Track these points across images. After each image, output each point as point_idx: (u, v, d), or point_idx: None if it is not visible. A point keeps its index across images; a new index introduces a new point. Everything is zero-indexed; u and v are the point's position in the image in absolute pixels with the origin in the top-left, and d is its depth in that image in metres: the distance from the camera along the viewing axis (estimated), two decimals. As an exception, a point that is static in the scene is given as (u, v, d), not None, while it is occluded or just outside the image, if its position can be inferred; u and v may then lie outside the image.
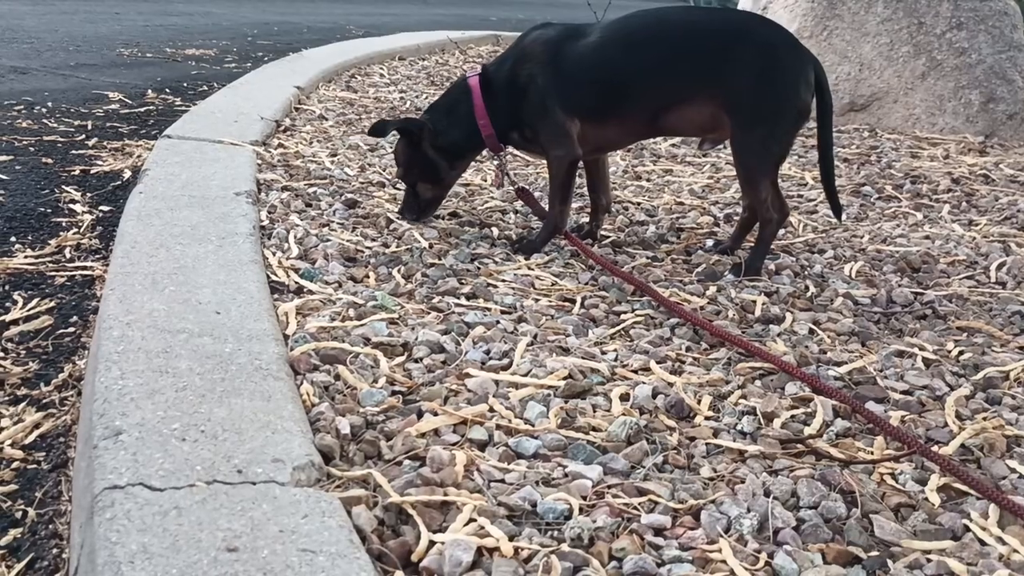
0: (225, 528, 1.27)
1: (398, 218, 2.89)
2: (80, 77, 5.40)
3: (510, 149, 2.92)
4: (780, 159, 2.67)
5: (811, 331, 2.27)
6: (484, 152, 2.94)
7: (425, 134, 2.80)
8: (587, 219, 2.99)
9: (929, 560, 1.42)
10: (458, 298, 2.33)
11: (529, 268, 2.58)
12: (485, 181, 3.49)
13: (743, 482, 1.58)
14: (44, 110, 4.43)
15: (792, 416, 1.83)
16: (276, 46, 7.42)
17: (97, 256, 2.64)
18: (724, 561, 1.38)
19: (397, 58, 6.92)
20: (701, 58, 2.59)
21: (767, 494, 1.55)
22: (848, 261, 2.80)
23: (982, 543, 1.47)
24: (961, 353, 2.16)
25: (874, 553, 1.43)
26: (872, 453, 1.71)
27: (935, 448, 1.72)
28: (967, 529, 1.50)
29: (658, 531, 1.46)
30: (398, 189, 3.21)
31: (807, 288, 2.55)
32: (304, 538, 1.27)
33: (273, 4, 11.89)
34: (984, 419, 1.84)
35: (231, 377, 1.69)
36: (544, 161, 2.93)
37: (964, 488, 1.60)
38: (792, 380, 1.97)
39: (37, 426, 1.80)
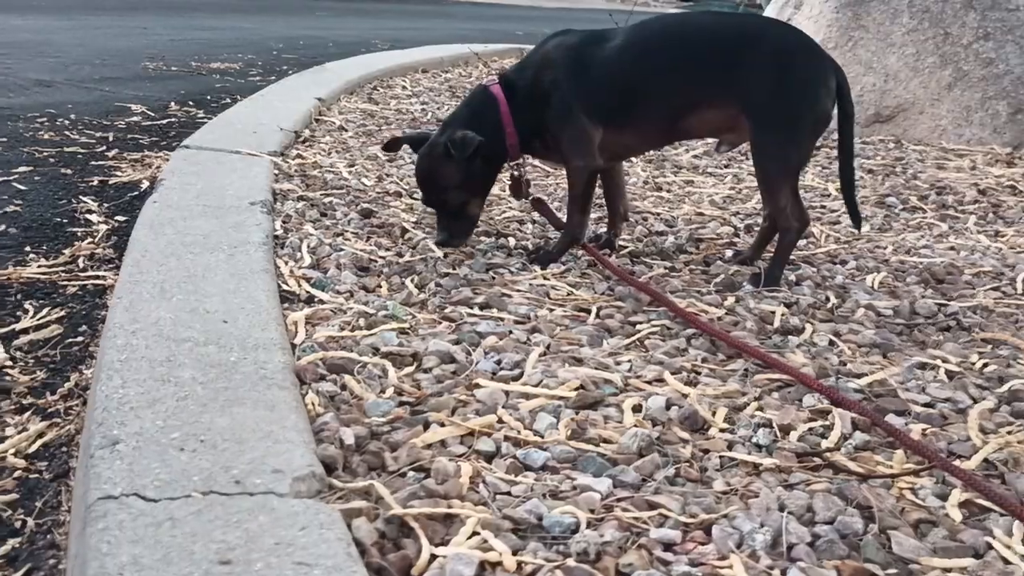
0: (219, 540, 1.24)
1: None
2: (104, 90, 5.43)
3: (528, 158, 2.89)
4: (800, 165, 2.63)
5: (831, 342, 2.22)
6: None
7: (482, 148, 2.63)
8: (604, 229, 2.95)
9: (950, 578, 1.37)
10: (471, 308, 2.30)
11: (545, 278, 2.55)
12: (503, 192, 3.46)
13: (757, 496, 1.53)
14: (66, 122, 4.46)
15: (810, 429, 1.78)
16: (301, 60, 7.45)
17: (110, 266, 2.63)
18: (735, 577, 1.33)
19: (420, 71, 6.93)
20: (721, 61, 2.55)
21: (782, 509, 1.50)
22: (871, 272, 2.74)
23: (1006, 561, 1.41)
24: (986, 365, 2.10)
25: (892, 570, 1.38)
26: (892, 467, 1.66)
27: (957, 462, 1.66)
28: (990, 547, 1.44)
29: (667, 546, 1.41)
30: (415, 199, 3.19)
31: (828, 299, 2.50)
32: (300, 551, 1.24)
33: (300, 19, 11.98)
34: (1009, 433, 1.78)
35: (235, 386, 1.67)
36: (560, 171, 2.90)
37: (987, 504, 1.54)
38: (810, 392, 1.92)
39: (41, 435, 1.78)
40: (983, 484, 1.55)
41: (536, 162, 3.26)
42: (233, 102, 5.18)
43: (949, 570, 1.38)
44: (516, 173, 2.86)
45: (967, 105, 4.86)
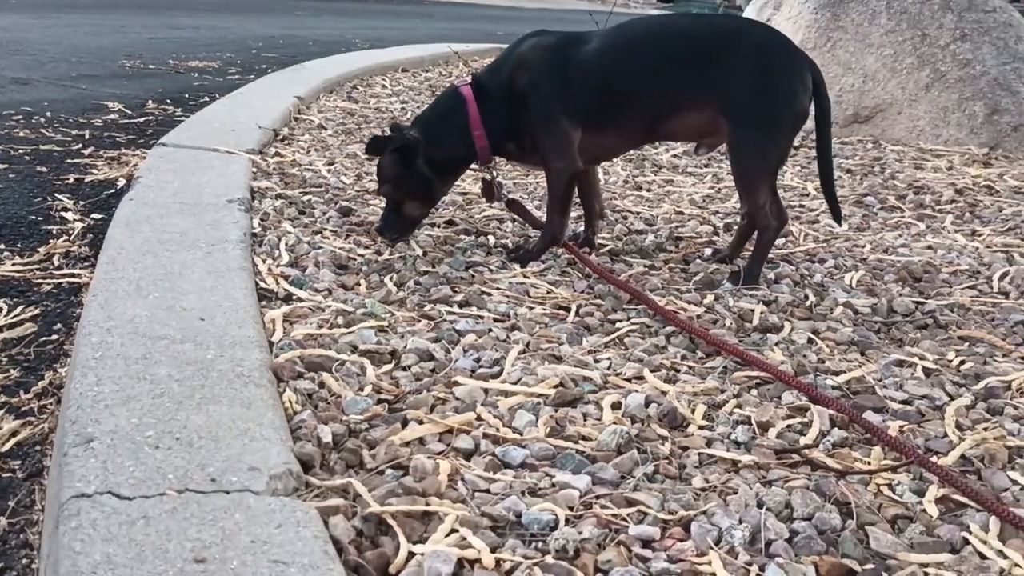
0: (194, 538, 1.22)
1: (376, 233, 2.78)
2: (80, 88, 5.38)
3: (500, 161, 2.85)
4: (778, 163, 2.63)
5: (810, 340, 2.22)
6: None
7: (420, 150, 2.64)
8: (582, 228, 2.94)
9: (927, 574, 1.37)
10: (450, 306, 2.29)
11: (525, 276, 2.54)
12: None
13: (735, 493, 1.53)
14: (42, 120, 4.42)
15: (788, 426, 1.79)
16: (280, 59, 7.41)
17: (86, 263, 2.61)
18: (714, 574, 1.33)
19: (400, 70, 6.91)
20: (700, 62, 2.54)
21: (760, 505, 1.50)
22: (849, 270, 2.75)
23: (982, 556, 1.42)
24: (962, 363, 2.11)
25: (869, 566, 1.38)
26: (869, 463, 1.66)
27: (934, 458, 1.67)
28: (966, 542, 1.45)
29: (646, 543, 1.41)
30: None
31: (806, 297, 2.51)
32: (276, 549, 1.23)
33: (279, 18, 11.91)
34: (985, 429, 1.79)
35: (211, 384, 1.65)
36: (538, 171, 2.88)
37: (964, 500, 1.55)
38: (789, 389, 1.92)
39: (14, 434, 1.76)
40: (960, 480, 1.56)
41: (513, 163, 3.24)
42: (211, 100, 5.14)
43: (926, 565, 1.39)
44: (487, 176, 2.84)
45: (944, 106, 4.89)
